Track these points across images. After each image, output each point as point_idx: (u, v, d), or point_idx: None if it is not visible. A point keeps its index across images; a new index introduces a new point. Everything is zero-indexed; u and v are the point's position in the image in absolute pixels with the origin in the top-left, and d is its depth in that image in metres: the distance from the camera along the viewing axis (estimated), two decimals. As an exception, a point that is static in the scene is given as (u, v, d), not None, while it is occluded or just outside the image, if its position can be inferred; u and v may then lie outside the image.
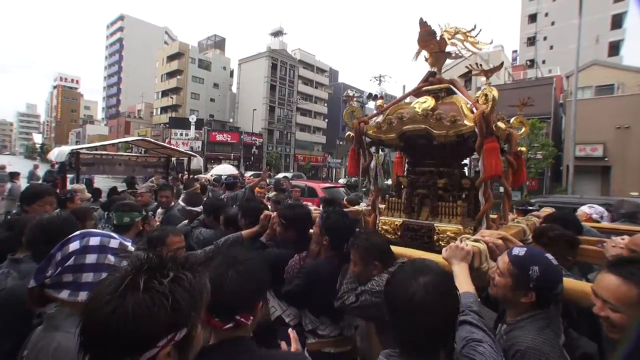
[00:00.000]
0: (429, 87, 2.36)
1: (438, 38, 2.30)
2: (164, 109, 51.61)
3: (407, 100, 2.65)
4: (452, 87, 2.34)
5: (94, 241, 1.21)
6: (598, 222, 3.17)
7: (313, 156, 52.25)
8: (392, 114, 2.36)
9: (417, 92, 2.44)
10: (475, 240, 1.57)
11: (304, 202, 4.63)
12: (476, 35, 2.26)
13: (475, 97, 2.03)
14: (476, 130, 1.88)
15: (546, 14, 40.62)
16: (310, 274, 1.85)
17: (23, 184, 13.22)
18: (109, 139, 60.48)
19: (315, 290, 1.83)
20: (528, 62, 36.45)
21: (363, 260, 1.66)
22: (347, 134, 2.57)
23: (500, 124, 1.98)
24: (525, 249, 1.37)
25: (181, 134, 41.33)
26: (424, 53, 2.43)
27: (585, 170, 17.70)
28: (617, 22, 35.51)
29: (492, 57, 26.43)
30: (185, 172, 8.08)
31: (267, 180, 7.21)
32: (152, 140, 8.67)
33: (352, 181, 28.84)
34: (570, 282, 1.37)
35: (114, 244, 1.25)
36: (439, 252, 1.98)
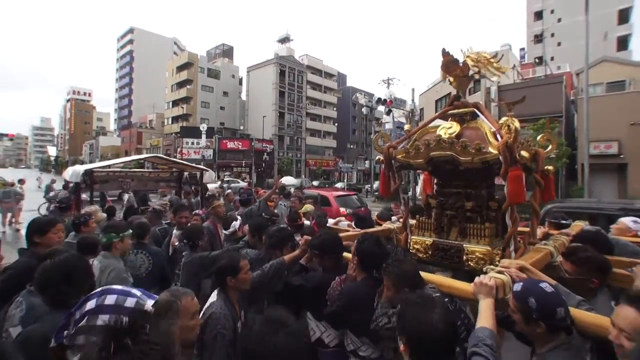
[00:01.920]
0: (454, 111, 2.44)
1: (461, 64, 2.38)
2: (175, 119, 52.50)
3: (434, 123, 2.70)
4: (476, 110, 2.42)
5: (110, 299, 1.21)
6: None
7: (324, 160, 52.38)
8: (419, 138, 2.47)
9: (443, 115, 2.54)
10: (500, 272, 1.66)
11: (340, 219, 4.66)
12: (498, 61, 2.40)
13: (499, 124, 2.10)
14: (500, 158, 1.95)
15: (552, 11, 40.36)
16: (349, 295, 1.97)
17: (39, 197, 13.50)
18: (122, 150, 61.95)
19: (354, 311, 1.93)
20: (536, 59, 36.18)
21: (395, 286, 1.76)
22: (377, 157, 2.71)
23: (524, 153, 2.05)
24: (522, 283, 1.47)
25: (192, 143, 41.91)
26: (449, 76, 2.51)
27: (600, 168, 17.51)
28: (624, 17, 35.25)
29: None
30: (194, 188, 7.81)
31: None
32: (164, 157, 8.69)
33: (355, 185, 28.94)
34: (583, 315, 1.44)
35: (130, 302, 1.24)
36: (468, 273, 2.16)
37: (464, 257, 2.21)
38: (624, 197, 17.06)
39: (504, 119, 2.06)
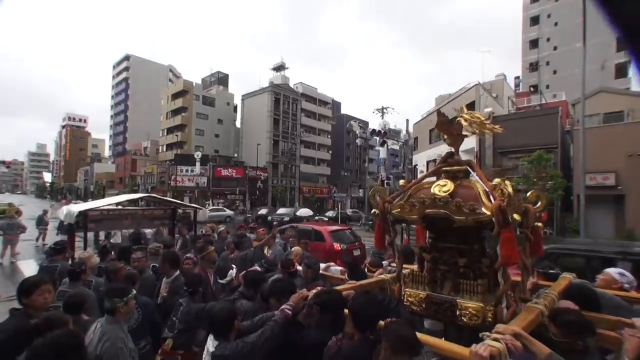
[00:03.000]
0: (448, 169, 2.49)
1: (455, 124, 2.50)
2: (170, 146, 52.44)
3: (428, 179, 2.77)
4: (468, 168, 2.45)
5: None
6: (627, 291, 2.98)
7: (318, 188, 52.17)
8: (414, 194, 2.50)
9: (436, 172, 2.62)
10: (495, 339, 1.66)
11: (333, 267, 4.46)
12: (490, 123, 2.53)
13: (492, 185, 2.10)
14: (493, 220, 1.99)
15: (548, 39, 40.32)
16: (346, 357, 1.99)
17: (30, 225, 13.68)
18: (116, 177, 61.80)
19: None
20: (531, 88, 36.56)
21: (393, 350, 1.75)
22: (372, 211, 2.73)
23: (516, 216, 2.07)
24: None
25: (187, 171, 41.85)
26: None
27: (597, 199, 17.06)
28: (623, 44, 35.77)
29: (495, 87, 26.61)
30: (188, 229, 7.77)
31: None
32: (158, 197, 8.96)
33: (348, 213, 28.48)
34: None
35: None
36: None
37: (457, 312, 2.24)
38: (621, 229, 16.61)
39: (496, 180, 2.09)
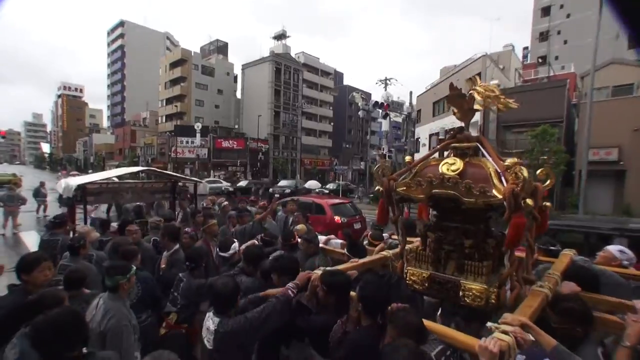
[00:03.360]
0: (457, 145, 2.38)
1: (467, 97, 2.34)
2: (169, 117, 51.77)
3: (436, 155, 2.64)
4: (479, 146, 2.34)
5: None
6: (626, 268, 3.02)
7: (319, 160, 52.09)
8: (421, 171, 2.41)
9: (444, 148, 2.51)
10: (504, 331, 1.61)
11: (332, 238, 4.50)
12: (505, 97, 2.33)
13: (504, 165, 2.02)
14: (505, 204, 1.91)
15: (561, 6, 38.38)
16: (352, 346, 1.96)
17: (30, 197, 13.73)
18: (116, 148, 61.52)
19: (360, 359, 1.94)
20: (539, 59, 35.29)
21: (399, 336, 1.74)
22: (376, 188, 2.65)
23: (529, 201, 1.96)
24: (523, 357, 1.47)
25: (187, 142, 41.61)
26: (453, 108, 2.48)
27: (598, 174, 16.97)
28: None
29: (502, 58, 25.90)
30: (190, 202, 7.75)
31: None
32: (158, 170, 8.82)
33: (344, 185, 28.63)
34: None
35: None
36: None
37: (460, 293, 2.23)
38: (619, 205, 16.64)
39: (510, 161, 1.98)
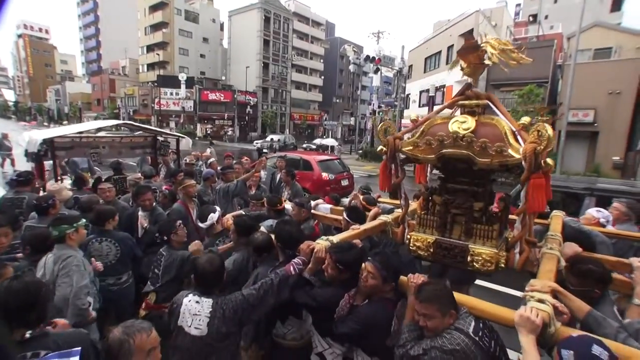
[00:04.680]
0: (465, 102, 2.23)
1: (480, 50, 2.18)
2: (151, 66, 49.44)
3: (442, 113, 2.50)
4: (489, 103, 2.24)
5: None
6: (604, 226, 3.15)
7: (309, 115, 51.67)
8: (429, 130, 2.25)
9: (452, 105, 2.36)
10: (540, 300, 1.52)
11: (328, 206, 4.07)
12: (520, 52, 2.20)
13: (521, 124, 2.00)
14: (523, 163, 1.85)
15: None
16: (366, 320, 1.86)
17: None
18: (93, 98, 58.25)
19: (371, 334, 1.87)
20: (531, 17, 35.32)
21: (440, 311, 1.59)
22: (379, 148, 2.48)
23: (549, 161, 1.87)
24: (571, 351, 1.22)
25: (171, 94, 40.39)
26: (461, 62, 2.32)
27: (574, 135, 17.66)
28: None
29: (495, 14, 25.83)
30: (172, 152, 7.32)
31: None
32: (136, 124, 8.01)
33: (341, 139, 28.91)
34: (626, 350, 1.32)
35: None
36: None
37: (469, 258, 2.17)
38: (591, 164, 17.77)
39: (525, 119, 2.03)
